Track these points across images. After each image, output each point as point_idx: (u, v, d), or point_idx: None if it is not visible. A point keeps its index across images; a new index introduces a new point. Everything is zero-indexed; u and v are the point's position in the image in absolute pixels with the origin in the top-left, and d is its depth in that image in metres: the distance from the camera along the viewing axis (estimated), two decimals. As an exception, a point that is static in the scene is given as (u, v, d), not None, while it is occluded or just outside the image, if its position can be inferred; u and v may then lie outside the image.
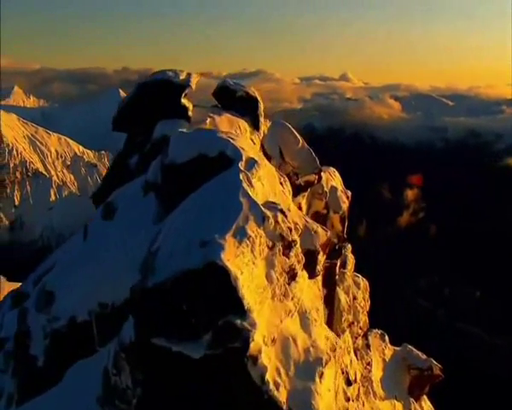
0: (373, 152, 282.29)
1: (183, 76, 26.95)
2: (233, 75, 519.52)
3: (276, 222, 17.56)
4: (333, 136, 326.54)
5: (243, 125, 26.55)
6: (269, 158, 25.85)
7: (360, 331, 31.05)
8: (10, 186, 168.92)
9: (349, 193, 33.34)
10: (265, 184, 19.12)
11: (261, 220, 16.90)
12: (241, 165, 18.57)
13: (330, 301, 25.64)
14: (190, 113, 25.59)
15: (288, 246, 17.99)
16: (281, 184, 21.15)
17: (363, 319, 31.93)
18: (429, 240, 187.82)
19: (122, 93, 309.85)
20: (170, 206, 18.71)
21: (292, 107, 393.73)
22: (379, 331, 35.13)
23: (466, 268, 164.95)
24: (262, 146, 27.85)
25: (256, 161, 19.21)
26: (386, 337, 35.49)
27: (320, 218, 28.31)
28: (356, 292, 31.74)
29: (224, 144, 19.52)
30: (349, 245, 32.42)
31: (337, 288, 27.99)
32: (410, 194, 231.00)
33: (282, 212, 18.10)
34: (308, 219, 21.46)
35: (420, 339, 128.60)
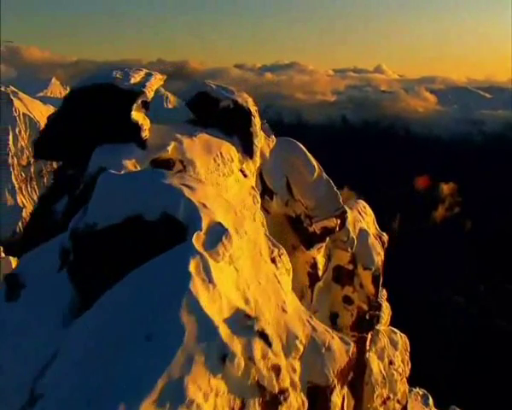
0: (408, 145, 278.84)
1: (136, 77, 18.41)
2: (267, 67, 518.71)
3: (251, 360, 10.10)
4: (367, 129, 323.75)
5: (228, 150, 19.00)
6: (270, 194, 21.19)
7: (398, 406, 24.13)
8: (47, 176, 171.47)
9: (385, 237, 26.08)
10: (244, 266, 11.73)
11: (219, 362, 9.62)
12: (198, 239, 11.15)
13: (359, 371, 19.84)
14: (145, 133, 17.31)
15: (271, 403, 10.24)
16: (273, 260, 13.34)
17: (402, 389, 24.87)
18: (465, 235, 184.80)
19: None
20: (85, 297, 11.80)
21: (325, 99, 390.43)
22: (420, 392, 29.53)
23: (502, 264, 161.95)
24: (261, 176, 21.26)
25: (226, 231, 11.61)
26: (430, 400, 29.63)
27: (344, 275, 22.38)
28: (393, 355, 24.90)
29: (173, 199, 11.94)
30: (384, 292, 24.97)
31: (368, 353, 22.52)
32: (446, 188, 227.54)
33: (264, 337, 10.55)
34: (317, 325, 12.63)
35: (454, 336, 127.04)
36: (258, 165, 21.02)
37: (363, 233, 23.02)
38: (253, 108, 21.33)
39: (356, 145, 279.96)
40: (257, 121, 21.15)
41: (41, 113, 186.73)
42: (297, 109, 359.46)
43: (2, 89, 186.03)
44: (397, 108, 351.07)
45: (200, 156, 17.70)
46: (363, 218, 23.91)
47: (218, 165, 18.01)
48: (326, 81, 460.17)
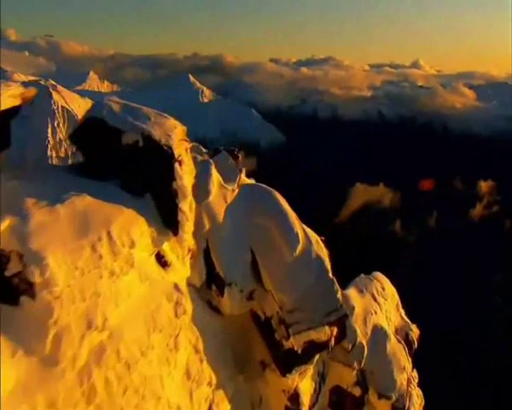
0: (445, 142, 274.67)
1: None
2: (302, 62, 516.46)
3: None
4: (403, 125, 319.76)
5: (128, 224, 10.90)
6: (220, 286, 12.55)
7: None
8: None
9: (415, 334, 19.45)
10: None
11: None
12: None
13: None
14: None
15: None
16: None
17: None
18: (504, 234, 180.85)
19: (192, 79, 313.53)
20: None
21: (361, 94, 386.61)
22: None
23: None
24: (206, 255, 12.51)
25: None
26: None
27: (347, 404, 14.45)
28: None
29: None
30: (415, 375, 18.39)
31: None
32: (484, 186, 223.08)
33: None
34: None
35: (493, 337, 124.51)
36: (189, 243, 12.10)
37: (378, 334, 14.98)
38: (181, 147, 13.01)
39: (392, 141, 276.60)
40: (186, 169, 12.44)
41: (79, 106, 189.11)
42: (332, 105, 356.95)
43: (42, 82, 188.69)
44: (434, 104, 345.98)
45: (59, 245, 9.48)
46: (379, 306, 15.66)
47: (100, 257, 9.93)
48: (362, 76, 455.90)
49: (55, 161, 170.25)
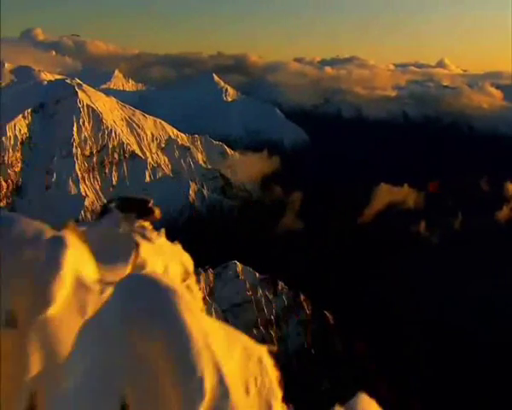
0: (471, 142, 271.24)
1: None
2: (326, 61, 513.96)
3: None
4: (428, 125, 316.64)
5: None
6: None
7: None
8: (109, 167, 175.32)
9: None
10: None
11: None
12: None
13: None
14: None
15: None
16: None
17: None
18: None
19: (216, 78, 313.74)
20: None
21: (386, 94, 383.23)
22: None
23: None
24: None
25: None
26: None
27: None
28: None
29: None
30: None
31: None
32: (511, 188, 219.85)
33: None
34: None
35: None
36: None
37: None
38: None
39: (417, 142, 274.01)
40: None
41: (104, 104, 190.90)
42: (357, 104, 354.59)
43: (68, 81, 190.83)
44: (460, 104, 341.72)
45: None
46: None
47: None
48: (386, 76, 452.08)
49: (79, 160, 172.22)
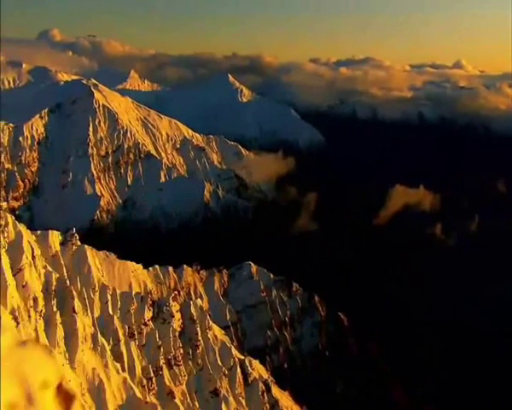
0: (488, 144, 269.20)
1: None
2: (342, 62, 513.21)
3: None
4: (444, 126, 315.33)
5: None
6: None
7: None
8: (124, 167, 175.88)
9: None
10: None
11: None
12: None
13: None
14: None
15: None
16: None
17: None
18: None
19: (231, 78, 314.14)
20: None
21: (402, 95, 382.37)
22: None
23: None
24: None
25: None
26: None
27: None
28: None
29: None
30: None
31: None
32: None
33: None
34: None
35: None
36: None
37: None
38: None
39: (433, 143, 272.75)
40: None
41: (119, 105, 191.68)
42: (372, 105, 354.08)
43: (84, 81, 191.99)
44: (476, 105, 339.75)
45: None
46: None
47: None
48: (402, 77, 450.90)
49: (95, 160, 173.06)
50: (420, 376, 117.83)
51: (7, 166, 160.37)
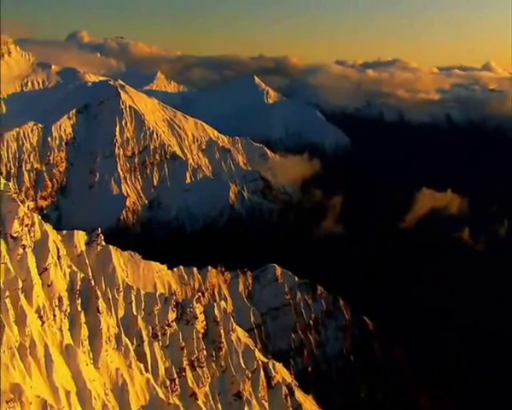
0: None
1: None
2: (369, 64, 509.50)
3: None
4: (473, 129, 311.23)
5: None
6: None
7: None
8: (150, 167, 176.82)
9: None
10: None
11: None
12: None
13: None
14: None
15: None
16: None
17: None
18: None
19: (257, 80, 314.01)
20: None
21: (429, 98, 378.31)
22: None
23: None
24: None
25: None
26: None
27: None
28: None
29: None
30: None
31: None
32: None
33: None
34: None
35: None
36: None
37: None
38: None
39: (461, 146, 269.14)
40: None
41: (145, 106, 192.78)
42: (399, 108, 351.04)
43: (111, 82, 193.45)
44: (506, 108, 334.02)
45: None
46: None
47: None
48: (430, 79, 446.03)
49: (121, 160, 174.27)
50: (445, 381, 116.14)
51: (36, 165, 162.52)
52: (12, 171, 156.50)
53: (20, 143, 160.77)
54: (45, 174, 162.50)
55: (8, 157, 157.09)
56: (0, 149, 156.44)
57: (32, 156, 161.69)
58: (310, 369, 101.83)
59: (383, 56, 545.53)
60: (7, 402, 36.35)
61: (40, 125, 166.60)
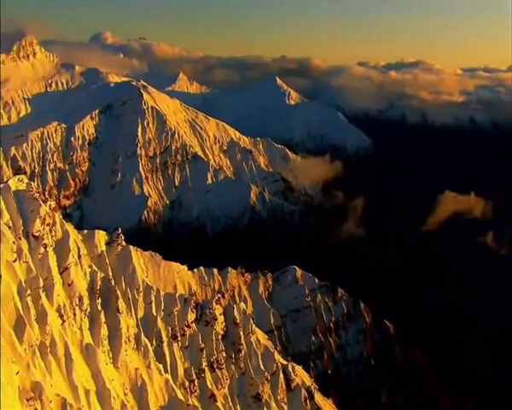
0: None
1: None
2: (391, 65, 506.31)
3: None
4: (497, 131, 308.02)
5: None
6: None
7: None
8: (171, 168, 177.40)
9: None
10: None
11: None
12: None
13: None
14: None
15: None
16: None
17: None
18: None
19: (279, 81, 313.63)
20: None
21: (452, 100, 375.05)
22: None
23: None
24: None
25: None
26: None
27: None
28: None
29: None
30: None
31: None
32: None
33: None
34: None
35: None
36: None
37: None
38: None
39: (484, 149, 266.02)
40: None
41: (167, 106, 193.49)
42: (422, 109, 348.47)
43: (134, 83, 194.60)
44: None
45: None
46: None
47: None
48: (453, 81, 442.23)
49: (143, 161, 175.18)
50: (467, 386, 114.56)
51: (59, 165, 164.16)
52: (36, 170, 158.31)
53: (44, 142, 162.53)
54: (68, 174, 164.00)
55: (32, 157, 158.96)
56: (25, 149, 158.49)
57: (55, 156, 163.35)
58: (330, 372, 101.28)
59: (406, 58, 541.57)
60: (27, 400, 36.51)
61: (64, 125, 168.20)
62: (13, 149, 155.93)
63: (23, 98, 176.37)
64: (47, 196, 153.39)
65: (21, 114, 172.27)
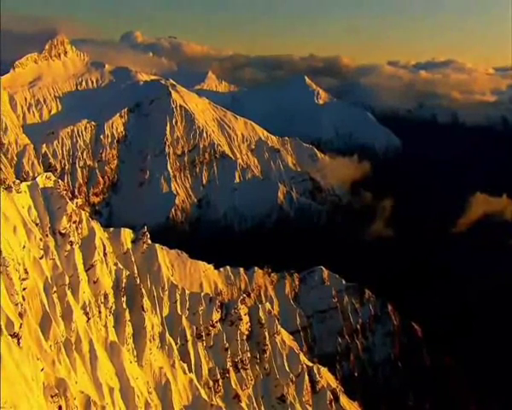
0: None
1: None
2: (421, 64, 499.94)
3: None
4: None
5: None
6: None
7: None
8: (199, 166, 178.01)
9: None
10: None
11: None
12: None
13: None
14: None
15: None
16: None
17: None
18: None
19: (307, 80, 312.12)
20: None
21: (484, 99, 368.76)
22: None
23: None
24: None
25: None
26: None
27: None
28: None
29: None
30: None
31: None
32: None
33: None
34: None
35: None
36: None
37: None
38: None
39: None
40: None
41: (196, 105, 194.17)
42: (452, 109, 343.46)
43: (162, 82, 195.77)
44: None
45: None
46: None
47: None
48: (485, 80, 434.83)
49: (171, 159, 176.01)
50: (496, 391, 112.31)
51: (88, 162, 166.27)
52: (66, 167, 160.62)
53: (74, 140, 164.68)
54: (97, 171, 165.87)
55: (62, 154, 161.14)
56: (55, 146, 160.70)
57: (85, 153, 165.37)
58: (356, 374, 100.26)
59: (437, 57, 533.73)
60: (52, 397, 36.62)
61: (93, 123, 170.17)
62: (44, 146, 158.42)
63: (54, 96, 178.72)
64: (76, 193, 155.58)
65: (52, 112, 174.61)
